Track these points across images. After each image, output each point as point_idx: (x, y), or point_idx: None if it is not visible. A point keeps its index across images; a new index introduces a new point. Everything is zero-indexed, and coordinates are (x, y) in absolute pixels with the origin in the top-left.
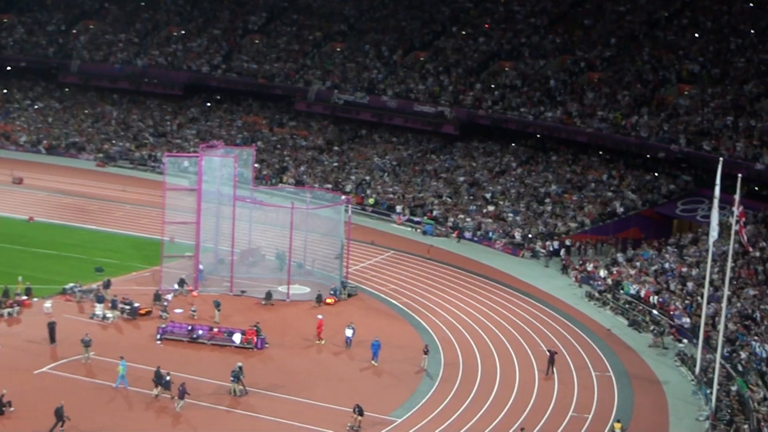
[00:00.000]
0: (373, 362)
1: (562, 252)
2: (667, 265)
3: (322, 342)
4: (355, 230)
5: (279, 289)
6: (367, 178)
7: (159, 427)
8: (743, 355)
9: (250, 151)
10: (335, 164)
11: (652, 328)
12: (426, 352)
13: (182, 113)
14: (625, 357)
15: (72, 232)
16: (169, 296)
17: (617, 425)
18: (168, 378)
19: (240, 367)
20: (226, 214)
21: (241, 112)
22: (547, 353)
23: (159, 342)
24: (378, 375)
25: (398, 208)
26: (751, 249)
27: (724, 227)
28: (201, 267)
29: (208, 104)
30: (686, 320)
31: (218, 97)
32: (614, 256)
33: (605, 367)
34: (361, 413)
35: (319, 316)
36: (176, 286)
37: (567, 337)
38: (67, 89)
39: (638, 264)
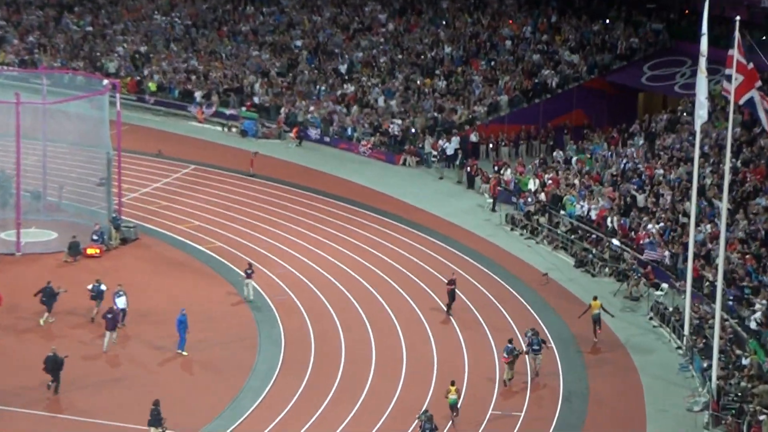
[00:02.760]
0: (179, 351)
1: (461, 154)
2: (629, 166)
3: None
4: (130, 135)
5: (2, 237)
6: (144, 48)
7: None
8: (758, 304)
9: None
10: (88, 29)
11: (611, 268)
12: (249, 275)
13: None
14: (572, 316)
15: None
16: None
17: (594, 303)
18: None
19: None
20: None
21: None
22: (446, 285)
23: None
24: (185, 368)
25: (198, 96)
26: None
27: (718, 102)
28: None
29: None
30: (664, 253)
31: None
32: (547, 157)
33: (542, 334)
34: None
35: None
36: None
37: (480, 289)
38: None
39: (585, 167)
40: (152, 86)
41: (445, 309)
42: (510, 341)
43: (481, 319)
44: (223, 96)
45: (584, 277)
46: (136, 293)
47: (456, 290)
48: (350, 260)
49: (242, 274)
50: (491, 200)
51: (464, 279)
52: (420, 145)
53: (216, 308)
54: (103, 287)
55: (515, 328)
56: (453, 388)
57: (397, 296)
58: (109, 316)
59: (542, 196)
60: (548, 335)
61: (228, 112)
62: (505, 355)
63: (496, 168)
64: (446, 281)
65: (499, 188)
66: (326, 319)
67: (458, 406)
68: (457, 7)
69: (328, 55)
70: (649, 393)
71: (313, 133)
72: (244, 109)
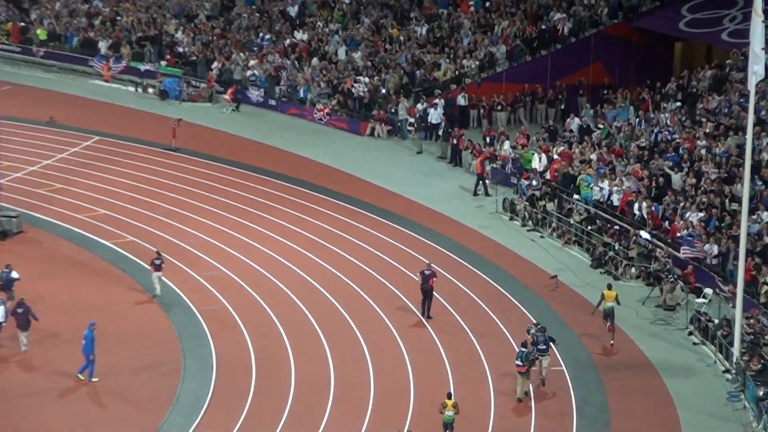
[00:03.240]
0: (80, 376)
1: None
2: (663, 137)
3: None
4: (12, 97)
5: None
6: None
7: None
8: None
9: None
10: None
11: (639, 268)
12: (157, 266)
13: None
14: (588, 331)
15: None
16: None
17: (608, 293)
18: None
19: None
20: None
21: None
22: (419, 279)
23: None
24: (92, 398)
25: (103, 47)
26: None
27: None
28: None
29: None
30: (703, 247)
31: None
32: (556, 125)
33: (550, 353)
34: None
35: None
36: None
37: (469, 296)
38: None
39: (605, 139)
40: (41, 34)
41: (422, 314)
42: (524, 344)
43: (469, 333)
44: (137, 47)
45: (604, 280)
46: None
47: (433, 283)
48: (302, 259)
49: (148, 267)
50: (481, 183)
51: (449, 282)
52: (392, 110)
53: (128, 321)
54: (14, 274)
55: (513, 343)
56: (450, 403)
57: (363, 304)
58: (20, 311)
59: (547, 175)
60: (559, 357)
61: (143, 67)
62: (518, 362)
63: (487, 139)
64: (420, 276)
65: (493, 165)
66: (271, 334)
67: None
68: None
69: None
70: (688, 429)
71: (255, 94)
72: (163, 63)
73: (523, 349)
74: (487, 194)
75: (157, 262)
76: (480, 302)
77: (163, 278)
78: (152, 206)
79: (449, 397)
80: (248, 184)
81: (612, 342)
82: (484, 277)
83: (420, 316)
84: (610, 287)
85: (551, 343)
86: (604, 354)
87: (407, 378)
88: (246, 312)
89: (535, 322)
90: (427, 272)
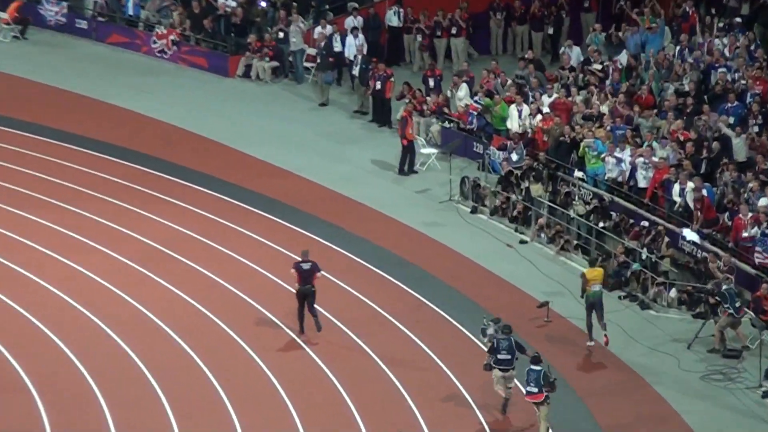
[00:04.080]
0: None
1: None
2: (714, 76)
3: None
4: None
5: None
6: None
7: None
8: None
9: None
10: None
11: (681, 291)
12: None
13: None
14: (597, 385)
15: None
16: None
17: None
18: None
19: None
20: None
21: None
22: (294, 276)
23: None
24: None
25: None
26: None
27: None
28: None
29: None
30: None
31: None
32: (542, 59)
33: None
34: None
35: None
36: None
37: (406, 338)
38: None
39: (624, 81)
40: None
41: (300, 330)
42: (534, 360)
43: (410, 403)
44: None
45: (624, 310)
46: None
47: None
48: (132, 279)
49: None
50: (418, 147)
51: (369, 312)
52: (280, 37)
53: None
54: None
55: (481, 418)
56: None
57: (229, 344)
58: None
59: (529, 132)
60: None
61: None
62: (533, 388)
63: (431, 82)
64: (297, 271)
65: (444, 125)
66: (80, 400)
67: None
68: None
69: None
70: None
71: (52, 12)
72: None
73: (535, 368)
74: (411, 171)
75: None
76: (426, 349)
77: None
78: None
79: None
80: (43, 159)
81: (605, 334)
82: (433, 307)
83: (296, 336)
84: (593, 263)
85: (519, 353)
86: (618, 422)
87: None
88: (39, 365)
89: (494, 317)
90: (305, 266)
